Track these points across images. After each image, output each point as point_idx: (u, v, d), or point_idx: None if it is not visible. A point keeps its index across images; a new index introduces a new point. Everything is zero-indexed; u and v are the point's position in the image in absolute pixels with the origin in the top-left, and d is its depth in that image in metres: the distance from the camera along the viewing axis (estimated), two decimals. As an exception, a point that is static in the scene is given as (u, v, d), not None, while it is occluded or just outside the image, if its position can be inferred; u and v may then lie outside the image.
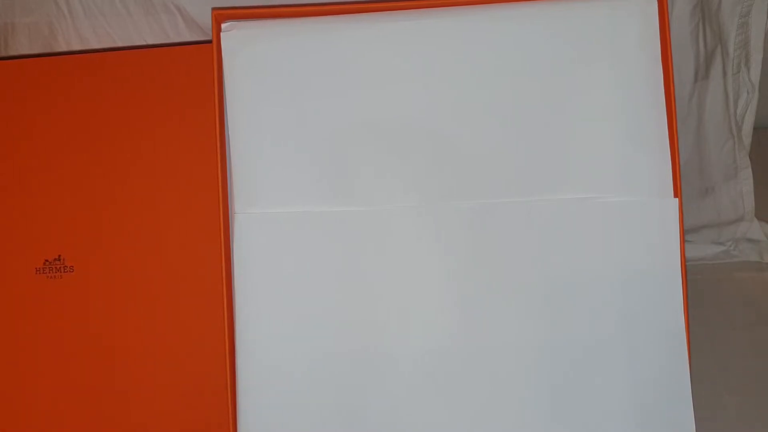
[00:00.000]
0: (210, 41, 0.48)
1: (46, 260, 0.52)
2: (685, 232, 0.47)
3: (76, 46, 0.58)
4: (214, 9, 0.48)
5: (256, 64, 0.48)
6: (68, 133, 0.52)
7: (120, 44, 0.57)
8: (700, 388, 0.50)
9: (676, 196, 0.47)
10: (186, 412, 0.51)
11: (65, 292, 0.51)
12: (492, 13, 0.47)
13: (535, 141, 0.47)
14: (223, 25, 0.48)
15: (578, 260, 0.47)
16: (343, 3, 0.49)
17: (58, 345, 0.51)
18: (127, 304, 0.51)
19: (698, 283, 0.63)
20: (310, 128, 0.48)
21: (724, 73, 0.62)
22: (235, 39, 0.48)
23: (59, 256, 0.52)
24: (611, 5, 0.47)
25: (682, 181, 0.47)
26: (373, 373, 0.48)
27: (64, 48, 0.58)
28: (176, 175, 0.52)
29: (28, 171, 0.52)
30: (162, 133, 0.52)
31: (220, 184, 0.48)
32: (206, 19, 0.55)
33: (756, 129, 0.66)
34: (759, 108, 0.65)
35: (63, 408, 0.51)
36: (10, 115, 0.53)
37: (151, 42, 0.57)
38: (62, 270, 0.52)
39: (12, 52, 0.59)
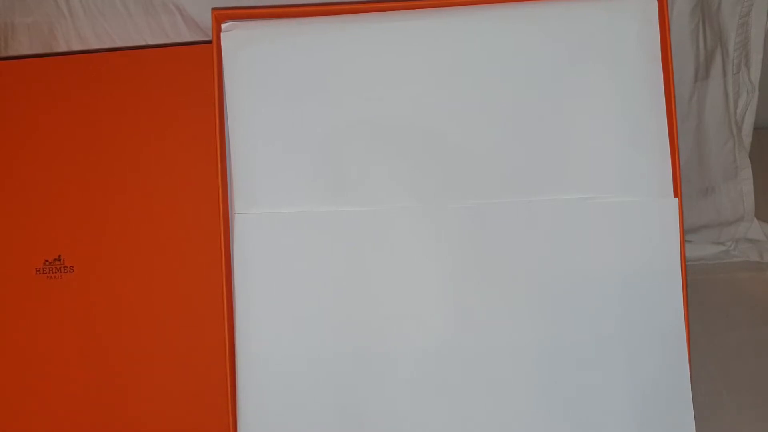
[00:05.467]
0: (210, 41, 0.48)
1: (46, 260, 0.52)
2: (685, 232, 0.47)
3: (76, 46, 0.58)
4: (214, 9, 0.48)
5: (256, 64, 0.48)
6: (68, 133, 0.52)
7: (120, 44, 0.57)
8: (700, 387, 0.50)
9: (676, 196, 0.47)
10: (186, 413, 0.51)
11: (65, 292, 0.51)
12: (491, 13, 0.47)
13: (535, 141, 0.47)
14: (223, 26, 0.48)
15: (578, 260, 0.47)
16: (343, 3, 0.49)
17: (58, 345, 0.51)
18: (127, 305, 0.51)
19: (698, 283, 0.63)
20: (309, 128, 0.48)
21: (724, 73, 0.62)
22: (235, 39, 0.48)
23: (59, 256, 0.52)
24: (610, 5, 0.47)
25: (682, 181, 0.47)
26: (372, 373, 0.48)
27: (64, 48, 0.58)
28: (176, 175, 0.52)
29: (28, 171, 0.52)
30: (162, 134, 0.52)
31: (220, 185, 0.48)
32: (206, 19, 0.55)
33: (756, 129, 0.66)
34: (759, 108, 0.65)
35: (63, 408, 0.51)
36: (10, 115, 0.53)
37: (151, 42, 0.57)
38: (62, 270, 0.52)
39: (12, 52, 0.58)
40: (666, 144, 0.47)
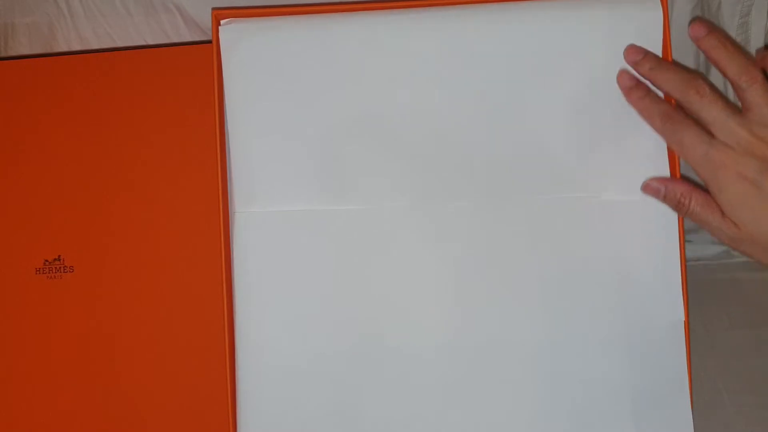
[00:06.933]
0: (210, 41, 0.48)
1: (46, 260, 0.52)
2: (685, 232, 0.47)
3: (76, 46, 0.58)
4: (213, 9, 0.48)
5: (256, 63, 0.48)
6: (68, 133, 0.52)
7: (120, 44, 0.57)
8: (700, 387, 0.50)
9: (675, 195, 0.47)
10: (186, 412, 0.51)
11: (65, 292, 0.51)
12: (490, 12, 0.47)
13: (534, 140, 0.47)
14: (222, 24, 0.48)
15: (578, 260, 0.47)
16: (343, 3, 0.49)
17: (58, 345, 0.51)
18: (127, 304, 0.51)
19: (698, 283, 0.63)
20: (309, 127, 0.48)
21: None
22: (235, 38, 0.48)
23: (59, 256, 0.52)
24: (611, 5, 0.47)
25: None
26: (372, 372, 0.48)
27: (64, 48, 0.58)
28: (176, 174, 0.52)
29: (28, 171, 0.53)
30: (162, 133, 0.52)
31: (219, 184, 0.48)
32: (206, 19, 0.55)
33: (756, 129, 0.66)
34: (759, 108, 0.65)
35: (63, 408, 0.51)
36: (10, 115, 0.53)
37: (151, 42, 0.57)
38: (62, 270, 0.52)
39: (12, 52, 0.58)
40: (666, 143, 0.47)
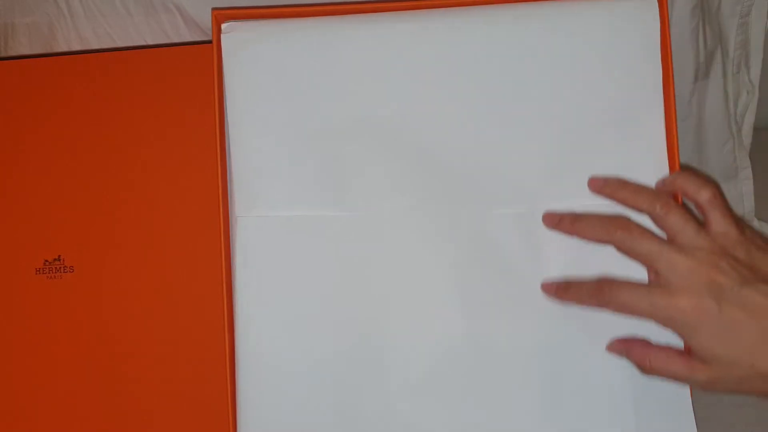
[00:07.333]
0: (210, 41, 0.48)
1: (46, 260, 0.52)
2: (685, 233, 0.47)
3: (76, 46, 0.58)
4: (214, 9, 0.48)
5: (257, 64, 0.48)
6: (68, 133, 0.52)
7: (120, 44, 0.57)
8: (700, 388, 0.50)
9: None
10: (186, 412, 0.51)
11: (65, 292, 0.51)
12: (491, 13, 0.47)
13: (534, 143, 0.47)
14: (223, 26, 0.48)
15: (579, 263, 0.47)
16: (344, 3, 0.49)
17: (58, 346, 0.51)
18: (128, 305, 0.51)
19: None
20: (310, 130, 0.48)
21: (724, 73, 0.62)
22: (235, 39, 0.48)
23: (59, 256, 0.52)
24: (611, 5, 0.47)
25: (682, 182, 0.47)
26: (373, 375, 0.48)
27: (64, 48, 0.58)
28: (176, 176, 0.52)
29: (28, 171, 0.52)
30: (162, 134, 0.52)
31: (220, 187, 0.48)
32: (206, 19, 0.55)
33: (756, 129, 0.66)
34: (759, 108, 0.65)
35: (63, 409, 0.51)
36: (10, 115, 0.53)
37: (151, 42, 0.57)
38: (62, 270, 0.52)
39: (12, 52, 0.58)
40: (666, 144, 0.47)
